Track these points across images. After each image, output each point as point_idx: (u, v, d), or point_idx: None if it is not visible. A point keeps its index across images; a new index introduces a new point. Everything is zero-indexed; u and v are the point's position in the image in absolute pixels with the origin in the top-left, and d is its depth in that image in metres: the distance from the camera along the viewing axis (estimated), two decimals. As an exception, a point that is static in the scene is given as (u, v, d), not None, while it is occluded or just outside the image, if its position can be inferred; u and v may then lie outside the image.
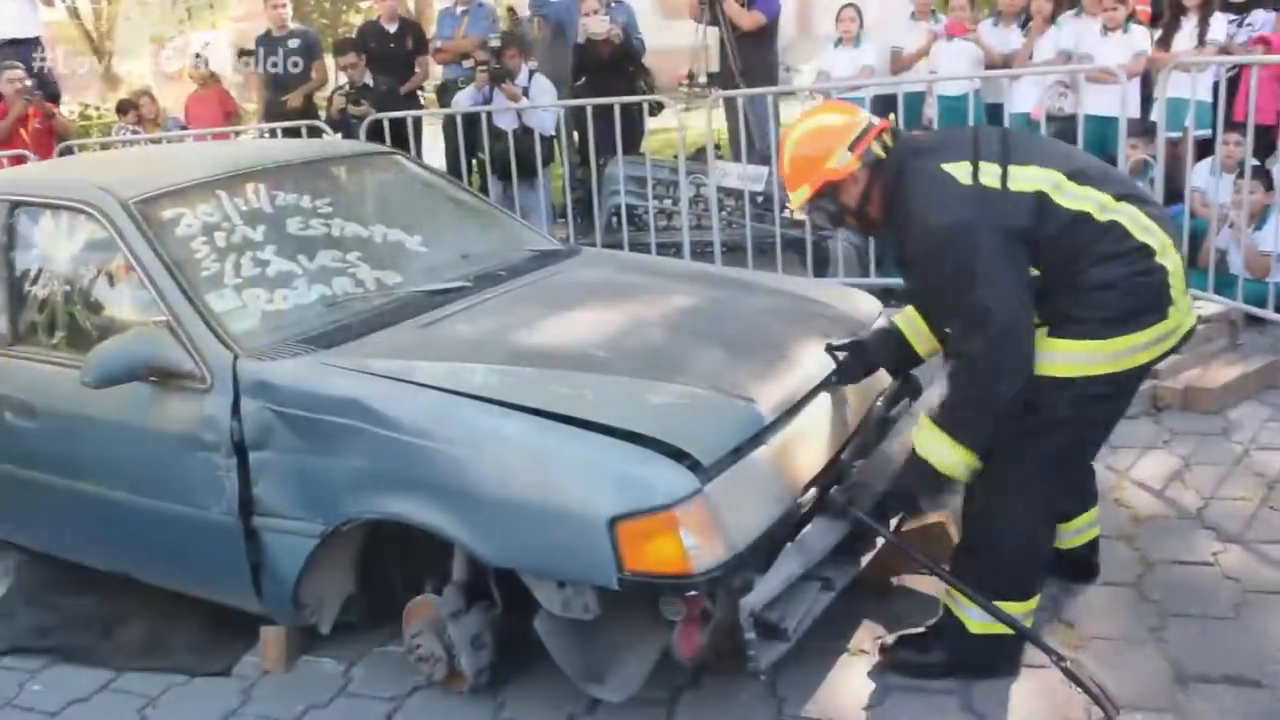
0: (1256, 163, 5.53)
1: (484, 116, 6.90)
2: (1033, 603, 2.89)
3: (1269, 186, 5.42)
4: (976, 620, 2.84)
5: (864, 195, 2.88)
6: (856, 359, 3.21)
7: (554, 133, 7.29)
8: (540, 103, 7.28)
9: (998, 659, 2.90)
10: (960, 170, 2.73)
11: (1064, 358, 2.71)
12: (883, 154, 2.86)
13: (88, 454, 3.30)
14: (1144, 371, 2.85)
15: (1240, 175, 5.47)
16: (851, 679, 2.96)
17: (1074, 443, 2.86)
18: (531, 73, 7.48)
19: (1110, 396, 2.81)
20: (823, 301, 3.74)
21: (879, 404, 3.40)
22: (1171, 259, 2.73)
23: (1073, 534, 3.25)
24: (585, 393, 2.82)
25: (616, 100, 6.62)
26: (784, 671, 2.85)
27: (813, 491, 2.90)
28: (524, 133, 7.07)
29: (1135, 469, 4.09)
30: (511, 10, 8.43)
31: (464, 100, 7.40)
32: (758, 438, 2.80)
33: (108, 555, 3.53)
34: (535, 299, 3.53)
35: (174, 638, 3.47)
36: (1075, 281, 2.70)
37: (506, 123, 7.11)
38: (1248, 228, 5.36)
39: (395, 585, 3.19)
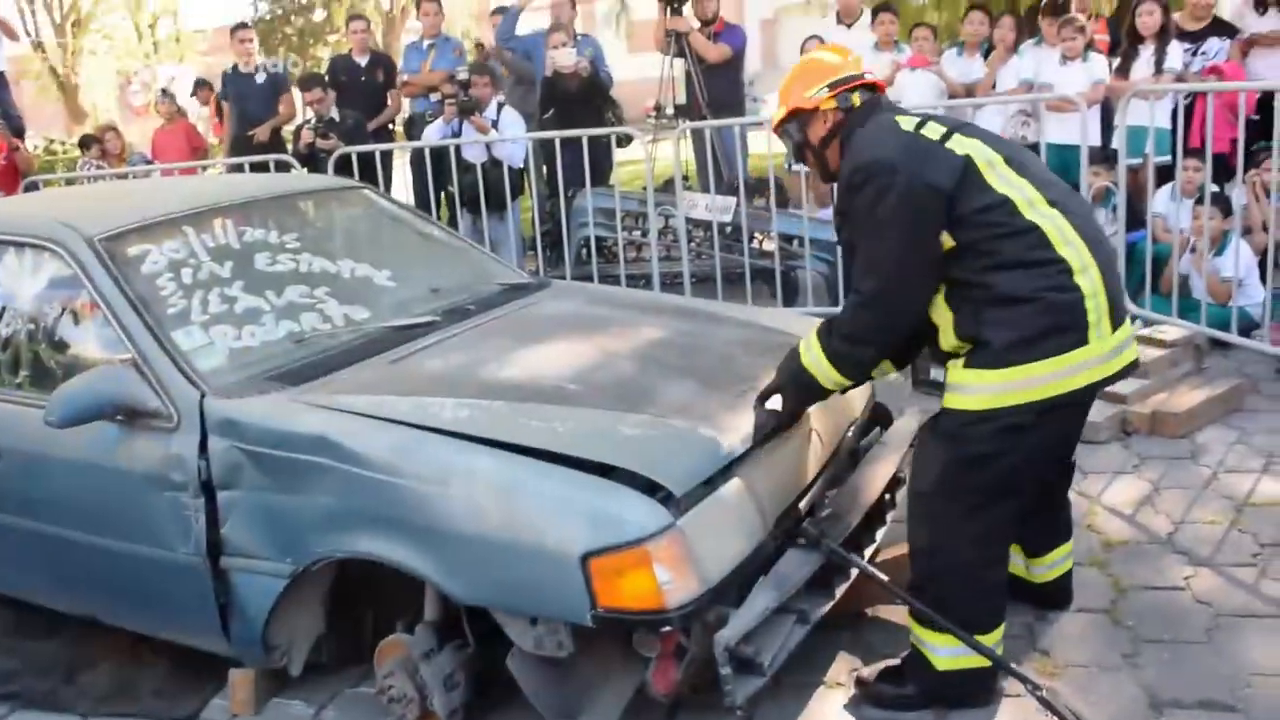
0: (1215, 189, 5.62)
1: (452, 150, 6.91)
2: (996, 634, 2.86)
3: (1227, 213, 5.49)
4: (943, 657, 2.83)
5: (828, 136, 2.94)
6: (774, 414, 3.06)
7: (523, 165, 7.30)
8: (509, 135, 7.29)
9: (972, 690, 2.89)
10: (907, 121, 2.82)
11: (977, 389, 2.68)
12: (858, 103, 2.92)
13: (52, 494, 3.25)
14: (1078, 399, 2.76)
15: (1199, 201, 5.56)
16: (828, 712, 2.94)
17: (1005, 476, 2.76)
18: (500, 105, 7.50)
19: (1034, 427, 2.70)
20: (792, 333, 3.74)
21: (850, 435, 3.41)
22: (1090, 279, 2.65)
23: (1046, 568, 3.23)
24: (556, 425, 2.81)
25: (584, 132, 6.65)
26: (760, 706, 2.83)
27: (785, 524, 2.90)
28: (493, 165, 7.08)
29: (1105, 494, 4.11)
30: (480, 45, 8.46)
31: (433, 134, 7.40)
32: (729, 470, 2.80)
33: (73, 598, 3.47)
34: (505, 333, 3.52)
35: (141, 682, 3.40)
36: (984, 287, 2.65)
37: (475, 155, 7.11)
38: (1209, 253, 5.43)
39: (366, 625, 3.15)
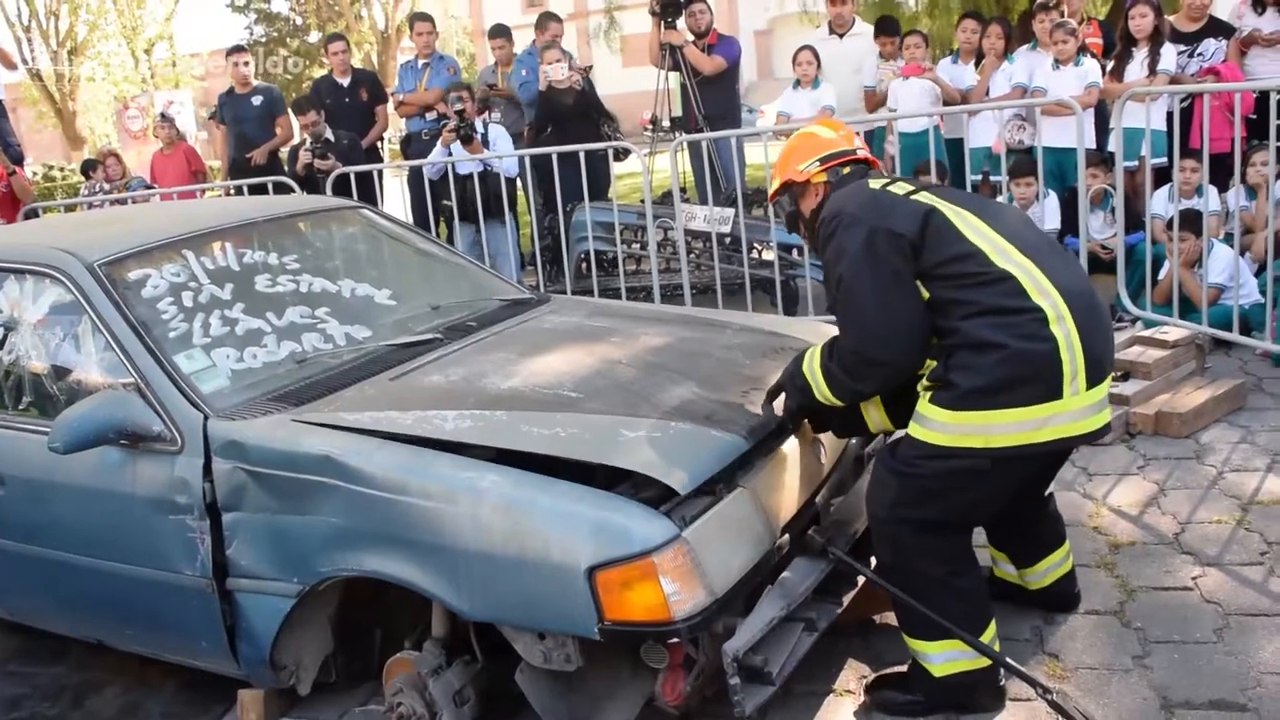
0: (1214, 189, 5.64)
1: (450, 169, 6.93)
2: (988, 633, 2.82)
3: (1199, 233, 5.49)
4: (938, 663, 2.83)
5: (818, 208, 3.02)
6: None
7: (516, 173, 7.32)
8: (499, 148, 7.31)
9: (978, 693, 2.88)
10: (876, 181, 2.92)
11: (937, 425, 2.69)
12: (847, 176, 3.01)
13: (57, 520, 3.25)
14: (1042, 452, 2.70)
15: (1189, 215, 5.56)
16: (838, 720, 2.95)
17: (955, 511, 2.77)
18: (486, 123, 7.52)
19: (988, 473, 2.68)
20: (794, 335, 3.75)
21: (854, 442, 3.41)
22: (1066, 328, 2.61)
23: (1039, 575, 3.22)
24: (558, 430, 2.81)
25: (581, 147, 6.67)
26: (770, 715, 2.83)
27: (791, 532, 2.90)
28: (488, 173, 7.08)
29: (1111, 496, 4.11)
30: (492, 87, 8.50)
31: (438, 155, 7.37)
32: (734, 476, 2.80)
33: (79, 622, 3.47)
34: (505, 346, 3.53)
35: (149, 704, 3.41)
36: (955, 333, 2.65)
37: (468, 168, 7.12)
38: (1194, 270, 5.48)
39: (374, 643, 3.15)
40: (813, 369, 2.89)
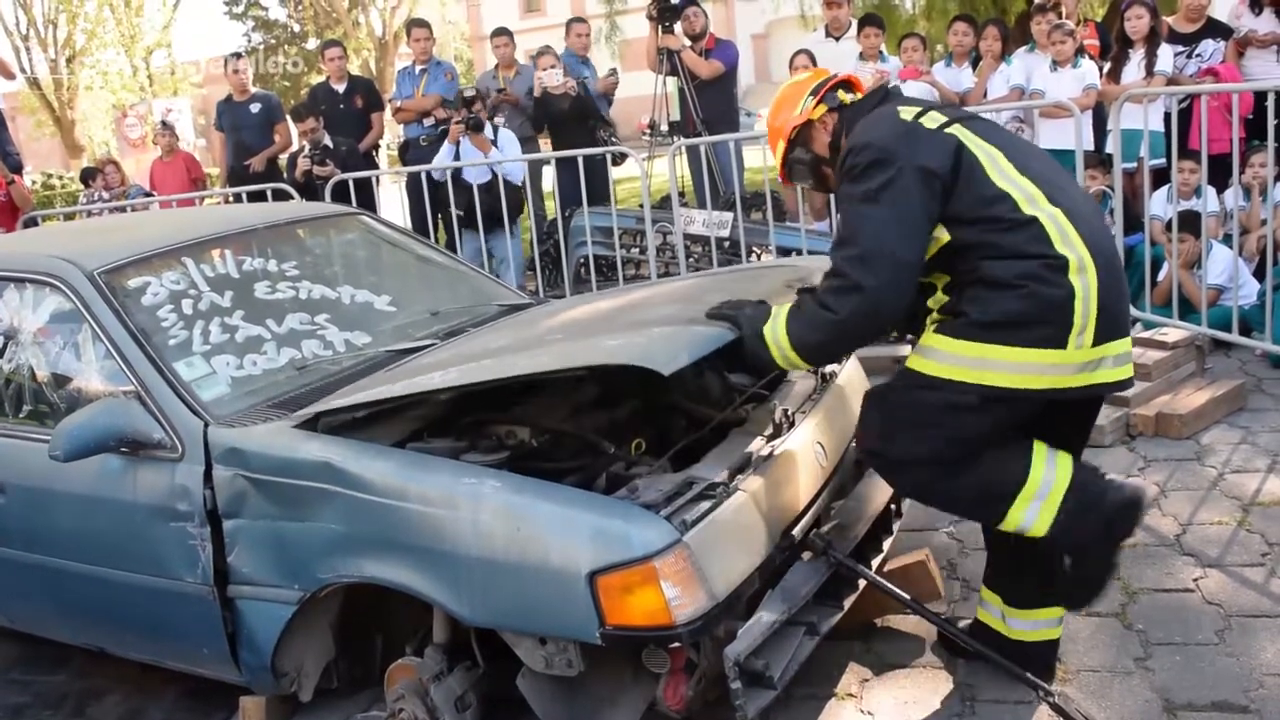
0: (1212, 190, 5.65)
1: (448, 173, 6.94)
2: (1033, 479, 2.67)
3: (1197, 235, 5.50)
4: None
5: (833, 139, 2.89)
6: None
7: (521, 182, 7.33)
8: (508, 152, 7.32)
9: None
10: (908, 111, 2.76)
11: (934, 354, 2.63)
12: (848, 99, 2.90)
13: (58, 528, 3.25)
14: (1033, 398, 2.60)
15: (1187, 216, 5.57)
16: (840, 723, 2.94)
17: (951, 450, 2.68)
18: (496, 127, 7.53)
19: (975, 410, 2.60)
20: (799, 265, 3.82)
21: (854, 445, 3.40)
22: (1086, 280, 2.54)
23: (1026, 625, 2.96)
24: (540, 357, 2.83)
25: (580, 152, 6.68)
26: (771, 719, 2.82)
27: (792, 536, 2.89)
28: (495, 182, 7.09)
29: (1111, 498, 4.10)
30: (501, 90, 8.52)
31: (445, 157, 7.39)
32: (733, 482, 2.80)
33: (80, 630, 3.47)
34: (499, 328, 3.62)
35: (151, 711, 3.41)
36: (974, 271, 2.59)
37: (476, 176, 7.13)
38: (1192, 271, 5.48)
39: (375, 649, 3.15)
40: (774, 326, 2.72)
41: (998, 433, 2.69)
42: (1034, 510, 2.68)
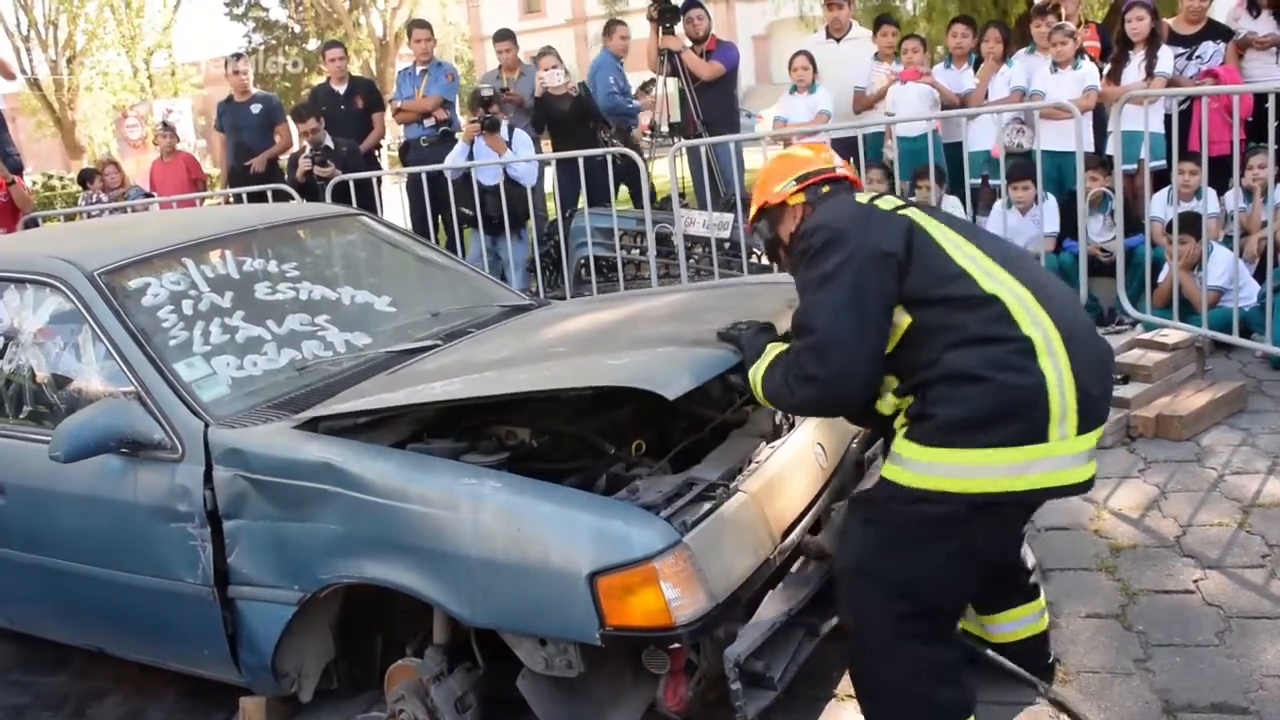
0: (1212, 192, 5.65)
1: (448, 174, 6.94)
2: None
3: (1198, 236, 5.50)
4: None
5: (797, 230, 2.78)
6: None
7: (533, 182, 7.33)
8: (521, 154, 7.33)
9: None
10: (862, 196, 2.76)
11: (912, 464, 2.46)
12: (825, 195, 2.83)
13: (58, 528, 3.25)
14: (1024, 503, 2.50)
15: (1188, 217, 5.57)
16: (840, 724, 2.94)
17: (926, 578, 2.50)
18: (511, 128, 7.53)
19: (964, 523, 2.43)
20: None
21: (854, 446, 3.41)
22: (1056, 364, 2.37)
23: (1005, 626, 2.97)
24: (543, 371, 2.85)
25: (582, 153, 6.68)
26: (772, 720, 2.82)
27: (792, 537, 2.89)
28: (510, 185, 7.08)
29: (1112, 499, 4.11)
30: (505, 89, 8.52)
31: (459, 156, 7.37)
32: (733, 483, 2.80)
33: (80, 630, 3.47)
34: (500, 334, 3.61)
35: (151, 712, 3.41)
36: (936, 365, 2.43)
37: (490, 177, 7.12)
38: (1193, 272, 5.48)
39: (375, 649, 3.15)
40: (754, 373, 2.72)
41: (982, 556, 2.55)
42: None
